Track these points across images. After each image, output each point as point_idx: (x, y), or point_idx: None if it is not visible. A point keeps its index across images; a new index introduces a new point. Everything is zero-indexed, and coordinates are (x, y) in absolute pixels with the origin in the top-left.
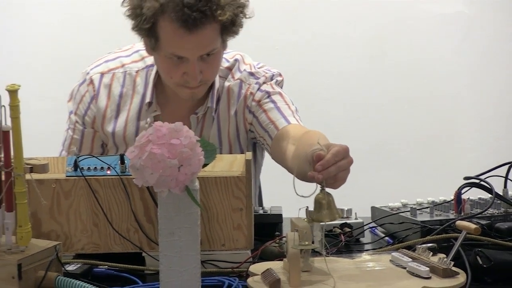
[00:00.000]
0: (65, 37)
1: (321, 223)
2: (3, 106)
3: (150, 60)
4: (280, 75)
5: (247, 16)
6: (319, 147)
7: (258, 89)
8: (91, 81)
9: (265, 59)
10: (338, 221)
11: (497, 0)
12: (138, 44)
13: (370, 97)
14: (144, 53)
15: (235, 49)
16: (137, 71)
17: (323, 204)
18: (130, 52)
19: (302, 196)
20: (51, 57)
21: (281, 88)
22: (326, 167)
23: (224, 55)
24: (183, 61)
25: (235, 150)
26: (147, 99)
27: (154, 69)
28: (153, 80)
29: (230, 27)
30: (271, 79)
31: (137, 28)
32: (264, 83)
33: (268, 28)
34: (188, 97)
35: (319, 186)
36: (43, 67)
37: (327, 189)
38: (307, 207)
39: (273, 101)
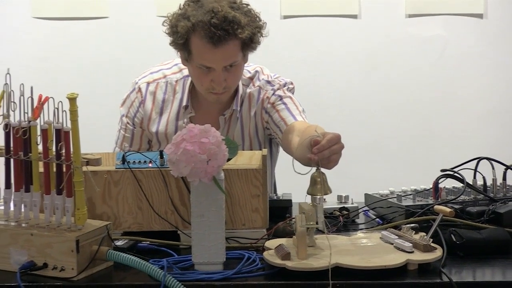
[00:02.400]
0: (117, 58)
1: (316, 197)
2: (64, 111)
3: (186, 71)
4: (291, 83)
5: (264, 35)
6: (316, 134)
7: (273, 94)
8: (139, 89)
9: (280, 71)
10: (337, 205)
11: (468, 25)
12: (177, 59)
13: (364, 104)
14: (181, 66)
15: (259, 63)
16: (176, 81)
17: (318, 181)
18: (171, 65)
19: (300, 173)
20: (101, 72)
21: (292, 93)
22: (321, 150)
23: (247, 68)
24: (210, 70)
25: (255, 144)
26: (184, 103)
27: (190, 79)
28: (189, 87)
29: (249, 43)
30: (284, 86)
31: (174, 43)
32: (278, 89)
33: (282, 47)
34: (215, 101)
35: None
36: (98, 81)
37: (323, 170)
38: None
39: (284, 103)
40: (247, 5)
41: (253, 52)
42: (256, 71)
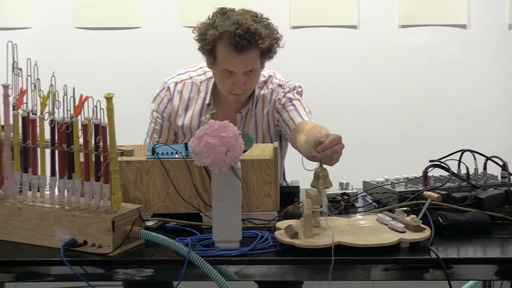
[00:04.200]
0: (147, 62)
1: (318, 190)
2: (102, 108)
3: (210, 74)
4: (300, 87)
5: (280, 46)
6: (320, 135)
7: (284, 96)
8: (168, 88)
9: (289, 75)
10: (338, 191)
11: (453, 35)
12: (201, 63)
13: (363, 103)
14: (206, 69)
15: (272, 68)
16: (200, 82)
17: (320, 176)
18: (196, 68)
19: (307, 169)
20: (133, 75)
21: (300, 96)
22: (324, 150)
23: (262, 72)
24: (232, 74)
25: (267, 139)
26: (207, 101)
27: (212, 80)
28: (212, 88)
29: (267, 52)
30: (293, 89)
31: (202, 48)
32: (288, 92)
33: (291, 54)
34: (234, 101)
35: (318, 163)
36: (131, 83)
37: (325, 166)
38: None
39: (293, 105)
40: (267, 19)
41: (269, 60)
42: (270, 76)
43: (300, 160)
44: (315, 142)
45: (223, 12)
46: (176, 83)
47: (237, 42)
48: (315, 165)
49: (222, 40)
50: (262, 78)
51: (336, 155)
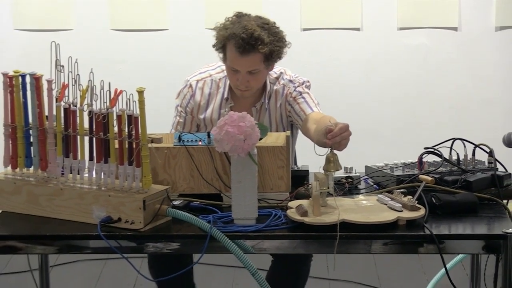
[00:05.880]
0: (174, 60)
1: (330, 172)
2: (134, 101)
3: None
4: (308, 81)
5: (284, 53)
6: (330, 124)
7: (294, 90)
8: (190, 85)
9: (301, 72)
10: (343, 175)
11: (445, 36)
12: (219, 62)
13: (365, 98)
14: (223, 67)
15: (287, 66)
16: (219, 79)
17: (331, 160)
18: (215, 67)
19: (319, 155)
20: (163, 71)
21: (309, 89)
22: (334, 137)
23: (274, 70)
24: (237, 72)
25: (280, 128)
26: (225, 96)
27: None
28: (229, 84)
29: (269, 57)
30: (302, 84)
31: (215, 46)
32: (298, 86)
33: (302, 55)
34: (240, 96)
35: (329, 149)
36: (161, 78)
37: (335, 151)
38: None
39: (303, 97)
40: (277, 27)
41: (277, 62)
42: (281, 72)
43: (310, 148)
44: (325, 130)
45: (239, 16)
46: (197, 81)
47: (240, 45)
48: (325, 151)
49: (229, 41)
50: (274, 75)
51: (345, 141)
